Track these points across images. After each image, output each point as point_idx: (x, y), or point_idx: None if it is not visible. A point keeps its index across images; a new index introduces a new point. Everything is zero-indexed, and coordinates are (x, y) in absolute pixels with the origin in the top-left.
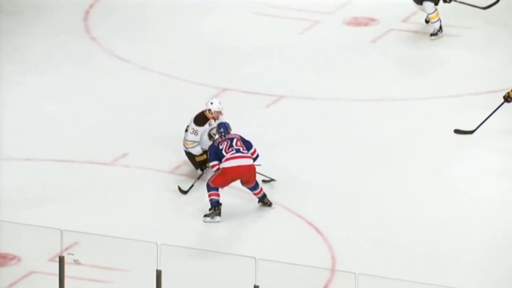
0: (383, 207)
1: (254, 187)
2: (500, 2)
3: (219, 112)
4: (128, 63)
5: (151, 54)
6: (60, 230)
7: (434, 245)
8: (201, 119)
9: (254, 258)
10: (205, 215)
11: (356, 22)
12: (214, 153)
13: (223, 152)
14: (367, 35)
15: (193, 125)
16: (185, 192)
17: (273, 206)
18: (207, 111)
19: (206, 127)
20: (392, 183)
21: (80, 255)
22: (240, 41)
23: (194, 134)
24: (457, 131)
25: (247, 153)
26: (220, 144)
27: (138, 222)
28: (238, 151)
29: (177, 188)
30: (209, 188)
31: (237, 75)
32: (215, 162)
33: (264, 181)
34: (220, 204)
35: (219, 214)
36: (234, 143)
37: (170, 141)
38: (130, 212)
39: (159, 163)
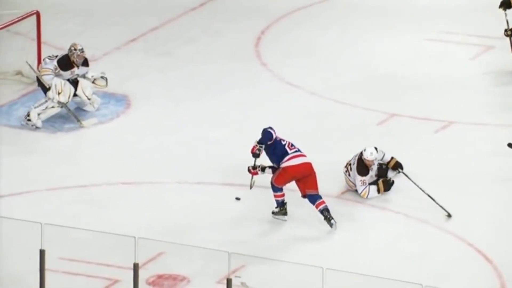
0: None
1: (316, 196)
2: None
3: (371, 162)
4: (298, 88)
5: (320, 80)
6: (228, 252)
7: None
8: (363, 168)
9: (421, 285)
10: (273, 213)
11: None
12: (269, 138)
13: (286, 147)
14: None
15: (359, 177)
16: None
17: (333, 222)
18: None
19: (369, 175)
20: None
21: (247, 278)
22: (411, 66)
23: (363, 184)
24: (510, 145)
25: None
26: (282, 140)
27: (304, 246)
28: (299, 150)
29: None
30: (274, 189)
31: (406, 101)
32: (262, 147)
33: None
34: (285, 203)
35: (285, 214)
36: (293, 144)
37: (336, 166)
38: (295, 236)
39: (325, 189)
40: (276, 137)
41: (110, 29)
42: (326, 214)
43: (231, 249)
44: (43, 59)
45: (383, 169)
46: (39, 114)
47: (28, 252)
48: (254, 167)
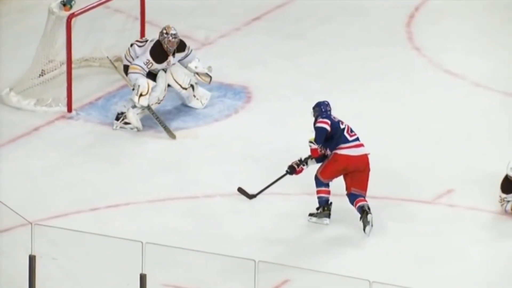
0: None
1: (360, 195)
2: None
3: None
4: (459, 78)
5: (487, 68)
6: (369, 281)
7: None
8: (507, 183)
9: None
10: (311, 214)
11: None
12: (326, 135)
13: (346, 134)
14: None
15: (500, 192)
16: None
17: (370, 222)
18: None
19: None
20: None
21: None
22: None
23: (502, 201)
24: None
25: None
26: (341, 123)
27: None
28: (358, 138)
29: None
30: (318, 183)
31: None
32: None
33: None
34: (330, 203)
35: (328, 216)
36: (352, 129)
37: (499, 175)
38: (433, 258)
39: (490, 203)
40: (333, 119)
41: (228, 6)
42: (366, 209)
43: (372, 277)
44: (131, 45)
45: None
46: (137, 114)
47: (126, 276)
48: (298, 164)
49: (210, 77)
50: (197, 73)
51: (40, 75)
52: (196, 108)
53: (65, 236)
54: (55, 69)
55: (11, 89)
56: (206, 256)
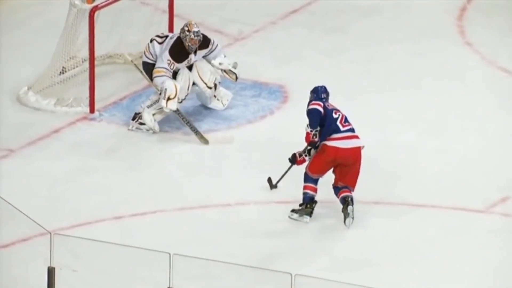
0: None
1: (345, 187)
2: None
3: None
4: None
5: None
6: None
7: None
8: None
9: None
10: (293, 210)
11: None
12: (320, 117)
13: (338, 123)
14: None
15: None
16: None
17: (350, 215)
18: None
19: None
20: None
21: None
22: None
23: None
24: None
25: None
26: (334, 112)
27: None
28: (352, 129)
29: None
30: (306, 178)
31: None
32: (318, 129)
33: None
34: (315, 202)
35: (309, 214)
36: (347, 119)
37: None
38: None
39: None
40: (327, 106)
41: None
42: (348, 200)
43: None
44: (151, 41)
45: None
46: (153, 115)
47: None
48: (301, 154)
49: (236, 74)
50: (223, 70)
51: (60, 72)
52: (216, 110)
53: (87, 247)
54: (77, 66)
55: (29, 88)
56: (238, 269)
